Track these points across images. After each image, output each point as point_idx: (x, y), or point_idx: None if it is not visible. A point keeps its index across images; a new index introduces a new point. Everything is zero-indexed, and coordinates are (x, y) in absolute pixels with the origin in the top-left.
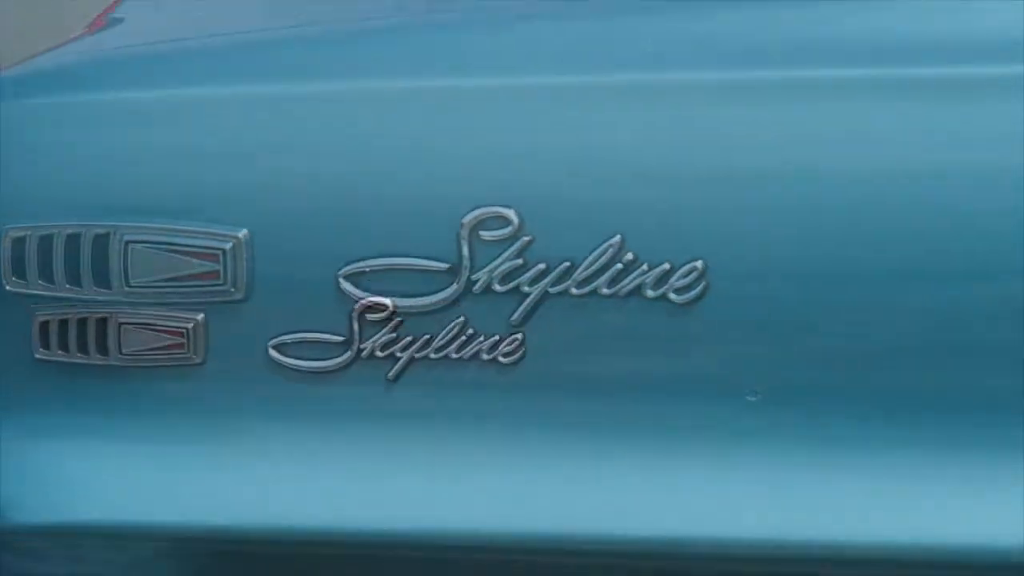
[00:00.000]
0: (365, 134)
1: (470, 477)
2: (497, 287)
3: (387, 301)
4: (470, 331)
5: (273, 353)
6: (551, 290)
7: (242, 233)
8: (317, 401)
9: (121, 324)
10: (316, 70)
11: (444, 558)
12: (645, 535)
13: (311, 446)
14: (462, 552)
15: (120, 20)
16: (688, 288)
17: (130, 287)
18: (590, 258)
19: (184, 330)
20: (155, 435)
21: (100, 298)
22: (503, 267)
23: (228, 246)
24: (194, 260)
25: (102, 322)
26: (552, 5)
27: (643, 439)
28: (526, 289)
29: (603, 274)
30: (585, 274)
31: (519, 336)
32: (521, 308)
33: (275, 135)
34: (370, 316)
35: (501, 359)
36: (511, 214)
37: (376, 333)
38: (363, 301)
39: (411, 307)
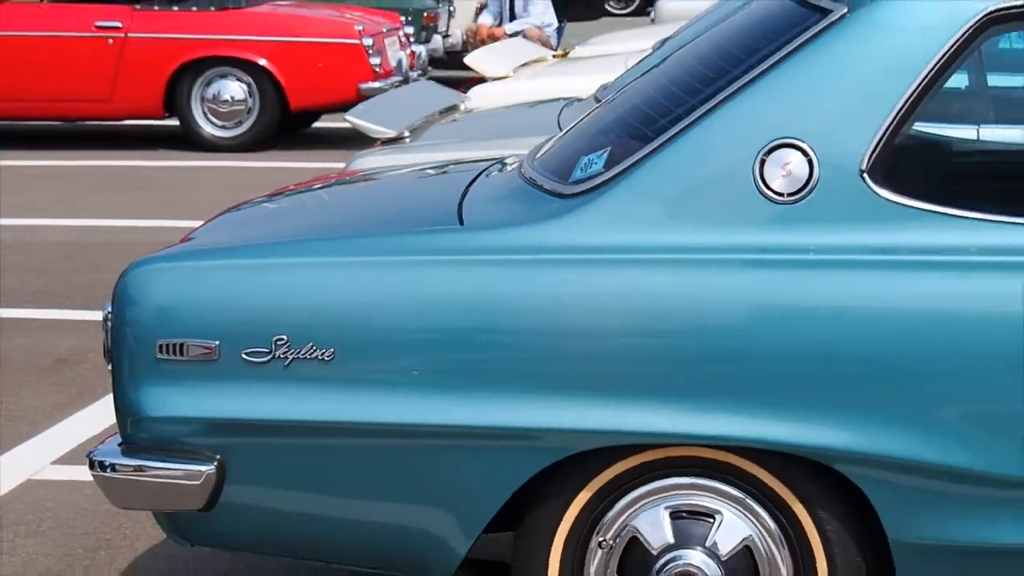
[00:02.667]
0: None
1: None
2: None
3: (285, 335)
4: (315, 346)
5: (245, 356)
6: None
7: None
8: (267, 369)
9: (190, 345)
10: None
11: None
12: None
13: (280, 384)
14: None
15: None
16: None
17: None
18: None
19: (212, 346)
20: (208, 383)
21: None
22: None
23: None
24: None
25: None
26: None
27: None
28: None
29: None
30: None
31: (331, 350)
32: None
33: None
34: (280, 345)
35: (324, 358)
36: None
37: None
38: (277, 336)
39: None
